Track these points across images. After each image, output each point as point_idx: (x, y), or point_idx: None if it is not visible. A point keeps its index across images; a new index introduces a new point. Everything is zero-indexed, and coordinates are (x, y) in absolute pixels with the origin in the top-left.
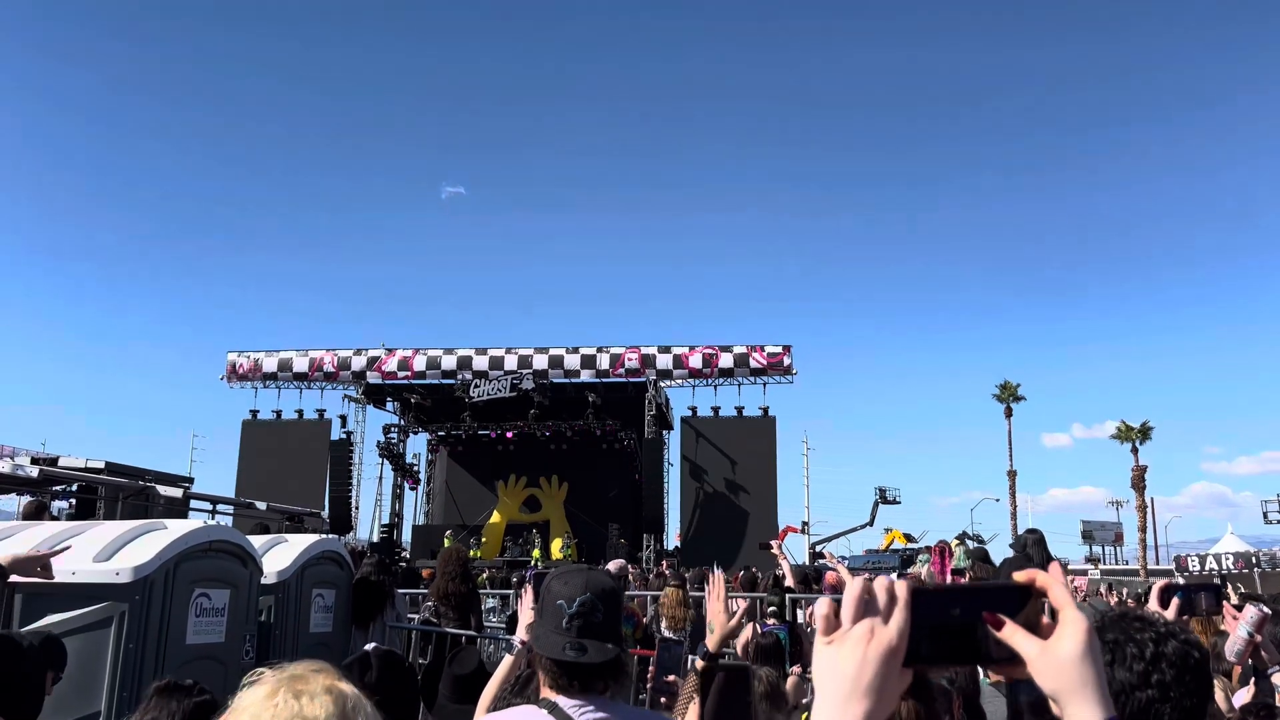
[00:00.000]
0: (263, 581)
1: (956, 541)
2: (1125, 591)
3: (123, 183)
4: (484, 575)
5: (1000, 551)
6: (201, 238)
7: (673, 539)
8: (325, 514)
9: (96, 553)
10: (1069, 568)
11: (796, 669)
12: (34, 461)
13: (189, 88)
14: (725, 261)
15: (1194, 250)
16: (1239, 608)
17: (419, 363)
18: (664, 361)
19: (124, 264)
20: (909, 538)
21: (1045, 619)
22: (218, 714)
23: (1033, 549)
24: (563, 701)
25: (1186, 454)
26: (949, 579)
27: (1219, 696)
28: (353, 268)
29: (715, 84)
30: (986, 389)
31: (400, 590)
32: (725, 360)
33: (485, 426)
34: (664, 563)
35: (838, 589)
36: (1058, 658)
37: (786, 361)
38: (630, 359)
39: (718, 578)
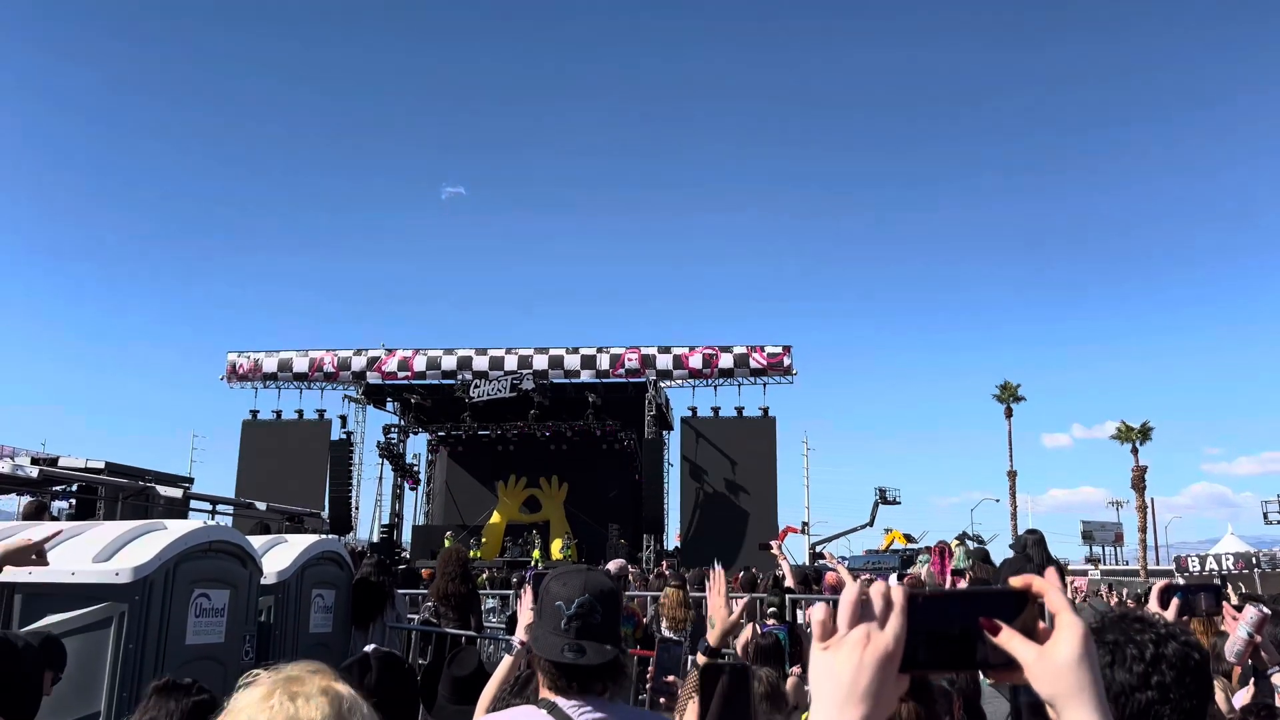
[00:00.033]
0: (262, 582)
1: (956, 542)
2: (1125, 592)
3: (123, 182)
4: (484, 576)
5: (1000, 552)
6: (202, 238)
7: (673, 539)
8: (325, 514)
9: (96, 553)
10: (1069, 568)
11: (796, 669)
12: (34, 461)
13: (189, 87)
14: (725, 261)
15: (1194, 250)
16: (1239, 608)
17: (419, 363)
18: (664, 362)
19: (124, 264)
20: (909, 538)
21: (1042, 624)
22: (215, 714)
23: (1033, 549)
24: (562, 702)
25: (1186, 454)
26: (949, 579)
27: (1219, 697)
28: (353, 268)
29: (715, 84)
30: (986, 389)
31: (400, 591)
32: (725, 360)
33: (485, 427)
34: (664, 563)
35: (838, 589)
36: (1054, 663)
37: (786, 362)
38: (630, 359)
39: (718, 573)
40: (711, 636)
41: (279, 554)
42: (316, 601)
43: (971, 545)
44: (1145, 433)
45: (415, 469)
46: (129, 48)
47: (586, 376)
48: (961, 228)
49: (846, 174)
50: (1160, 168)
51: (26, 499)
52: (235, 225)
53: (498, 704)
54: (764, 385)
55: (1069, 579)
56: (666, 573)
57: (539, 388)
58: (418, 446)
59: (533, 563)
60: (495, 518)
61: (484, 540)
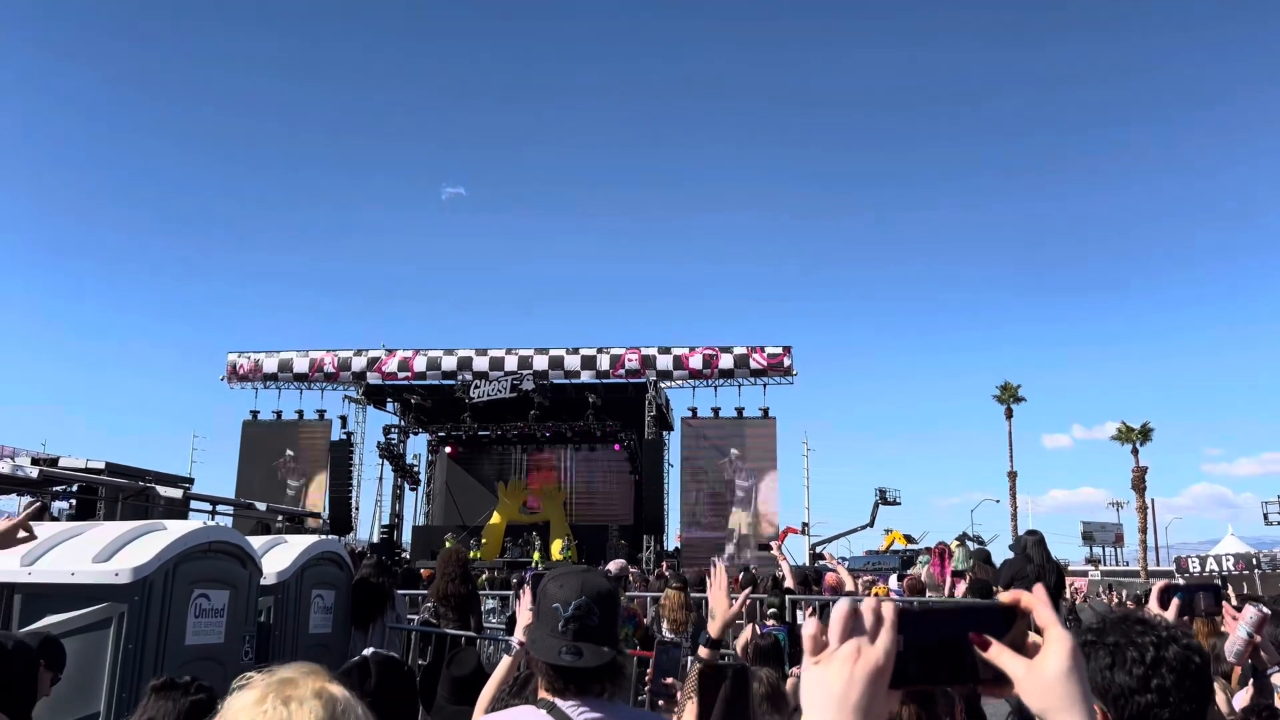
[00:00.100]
0: (262, 582)
1: (956, 543)
2: (1125, 592)
3: (123, 180)
4: (484, 576)
5: (1000, 553)
6: (201, 236)
7: (673, 540)
8: (325, 515)
9: (96, 553)
10: (1069, 569)
11: (796, 670)
12: (34, 462)
13: (189, 85)
14: (725, 261)
15: (1194, 250)
16: (1238, 608)
17: (419, 363)
18: (664, 362)
19: (124, 262)
20: (909, 539)
21: (1032, 638)
22: (212, 715)
23: (1033, 550)
24: (560, 702)
25: (1187, 455)
26: (949, 580)
27: (1219, 698)
28: (353, 267)
29: (715, 84)
30: (987, 390)
31: (400, 591)
32: (725, 361)
33: (485, 427)
34: (664, 564)
35: (838, 590)
36: (1043, 676)
37: (787, 362)
38: (630, 360)
39: (719, 569)
40: (713, 628)
41: (279, 554)
42: (316, 602)
43: (972, 546)
44: (1145, 433)
45: (415, 469)
46: (128, 47)
47: (586, 377)
48: (961, 228)
49: (846, 174)
50: (1160, 168)
51: (26, 499)
52: (235, 224)
53: (497, 704)
54: (764, 386)
55: (1069, 580)
56: (667, 573)
57: (539, 388)
58: (418, 447)
59: (533, 563)
60: (495, 518)
61: (484, 541)
